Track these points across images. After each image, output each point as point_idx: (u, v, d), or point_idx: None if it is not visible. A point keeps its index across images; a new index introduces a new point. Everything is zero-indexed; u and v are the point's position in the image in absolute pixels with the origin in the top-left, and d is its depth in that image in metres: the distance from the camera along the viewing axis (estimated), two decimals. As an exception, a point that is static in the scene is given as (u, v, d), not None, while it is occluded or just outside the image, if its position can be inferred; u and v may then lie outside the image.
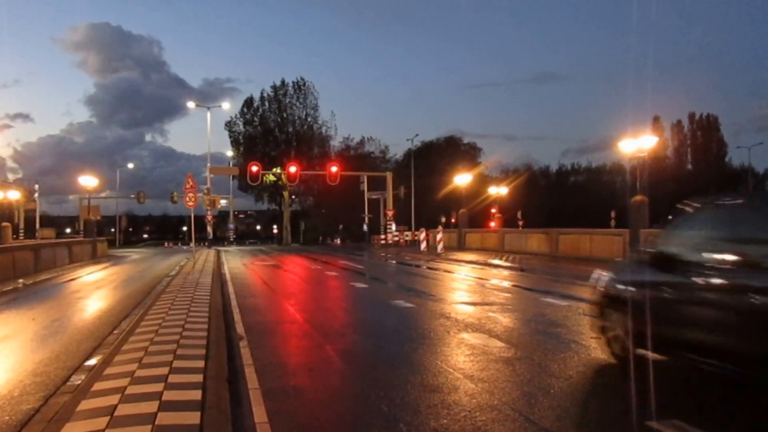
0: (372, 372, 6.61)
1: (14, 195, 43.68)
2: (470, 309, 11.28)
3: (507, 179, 57.93)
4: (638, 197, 21.85)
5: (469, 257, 25.30)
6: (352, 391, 5.93)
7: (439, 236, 32.94)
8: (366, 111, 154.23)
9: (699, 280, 5.41)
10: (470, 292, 14.50)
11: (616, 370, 6.19)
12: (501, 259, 23.84)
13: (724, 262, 5.29)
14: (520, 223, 45.11)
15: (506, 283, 16.12)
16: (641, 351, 6.11)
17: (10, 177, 59.25)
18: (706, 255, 5.57)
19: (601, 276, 7.24)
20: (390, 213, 44.18)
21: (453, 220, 45.34)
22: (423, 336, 8.65)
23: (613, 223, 40.54)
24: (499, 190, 47.93)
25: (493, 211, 45.82)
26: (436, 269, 21.01)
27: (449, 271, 19.68)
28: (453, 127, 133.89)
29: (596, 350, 7.44)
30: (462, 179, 40.14)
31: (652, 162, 21.97)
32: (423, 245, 35.15)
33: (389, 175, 44.88)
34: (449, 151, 64.95)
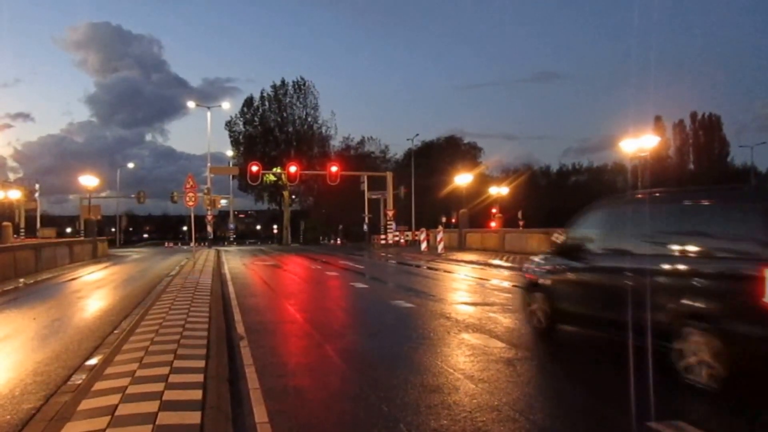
0: (372, 372, 6.62)
1: (15, 194, 43.74)
2: (471, 309, 11.28)
3: (507, 179, 57.87)
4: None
5: (470, 257, 25.31)
6: (352, 391, 5.93)
7: (439, 236, 32.89)
8: (366, 111, 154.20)
9: (592, 266, 7.26)
10: (471, 292, 14.50)
11: (616, 369, 6.19)
12: (501, 259, 23.84)
13: (608, 250, 7.14)
14: (521, 223, 45.09)
15: (507, 284, 16.12)
16: (561, 324, 8.14)
17: (11, 176, 59.33)
18: (597, 245, 7.36)
19: (530, 264, 9.15)
20: (390, 213, 44.16)
21: (453, 220, 45.32)
22: (423, 336, 8.65)
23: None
24: (499, 190, 47.92)
25: (494, 211, 45.77)
26: (436, 269, 21.01)
27: (449, 272, 19.68)
28: (453, 127, 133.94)
29: (599, 350, 7.45)
30: (462, 179, 40.14)
31: (654, 162, 21.89)
32: (423, 245, 35.15)
33: (389, 175, 44.85)
34: (449, 150, 64.92)
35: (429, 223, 44.10)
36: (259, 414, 4.99)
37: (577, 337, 8.23)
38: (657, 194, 7.24)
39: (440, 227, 36.96)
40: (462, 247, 32.93)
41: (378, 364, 7.05)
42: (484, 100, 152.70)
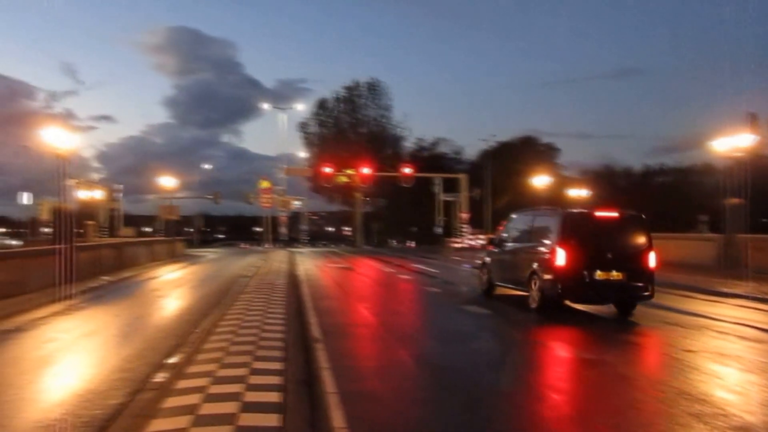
0: (449, 379, 6.46)
1: (99, 194, 45.84)
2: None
3: (585, 180, 55.89)
4: (735, 200, 20.42)
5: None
6: (429, 397, 5.80)
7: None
8: (439, 112, 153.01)
9: (505, 249, 13.20)
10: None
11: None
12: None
13: (509, 242, 13.17)
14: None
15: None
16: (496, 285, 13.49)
17: (95, 177, 62.53)
18: (506, 239, 13.38)
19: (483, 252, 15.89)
20: (464, 216, 43.59)
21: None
22: (502, 344, 8.41)
23: (704, 227, 38.22)
24: (579, 192, 46.34)
25: (572, 213, 44.33)
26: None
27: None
28: (527, 127, 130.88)
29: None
30: (540, 181, 39.07)
31: (749, 162, 20.38)
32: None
33: (463, 177, 44.26)
34: (526, 151, 63.20)
35: (504, 226, 43.26)
36: (337, 419, 4.94)
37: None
38: (525, 211, 13.96)
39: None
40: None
41: (456, 371, 6.87)
42: (558, 99, 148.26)
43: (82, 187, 44.14)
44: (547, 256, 10.97)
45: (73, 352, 8.28)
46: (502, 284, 13.16)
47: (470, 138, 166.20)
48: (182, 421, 4.54)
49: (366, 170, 40.90)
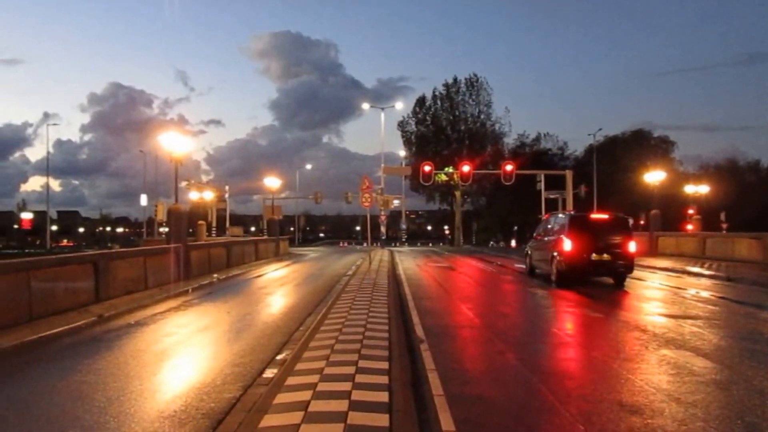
0: (561, 385, 6.14)
1: (209, 195, 48.37)
2: (669, 322, 10.16)
3: (706, 176, 51.85)
4: None
5: (663, 263, 23.03)
6: (540, 404, 5.53)
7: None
8: (542, 106, 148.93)
9: (538, 242, 18.78)
10: (667, 302, 13.10)
11: None
12: (701, 266, 21.35)
13: (541, 235, 18.63)
14: (724, 225, 40.24)
15: (708, 294, 14.38)
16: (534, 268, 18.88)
17: (204, 179, 66.01)
18: (540, 234, 18.86)
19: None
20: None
21: (642, 222, 41.85)
22: (616, 349, 7.93)
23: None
24: (697, 189, 43.18)
25: (691, 212, 41.24)
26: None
27: (640, 279, 18.08)
28: (640, 120, 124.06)
29: None
30: (652, 177, 36.72)
31: None
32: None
33: (568, 173, 42.41)
34: (636, 145, 59.83)
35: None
36: (445, 422, 4.83)
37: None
38: (551, 214, 19.77)
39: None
40: (653, 252, 30.10)
41: (567, 377, 6.55)
42: (675, 89, 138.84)
43: (194, 188, 46.84)
44: (560, 245, 16.01)
45: (189, 346, 8.71)
46: (537, 267, 18.50)
47: (575, 133, 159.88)
48: (294, 417, 4.59)
49: (466, 168, 40.23)
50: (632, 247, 16.08)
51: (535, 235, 19.50)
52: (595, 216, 17.13)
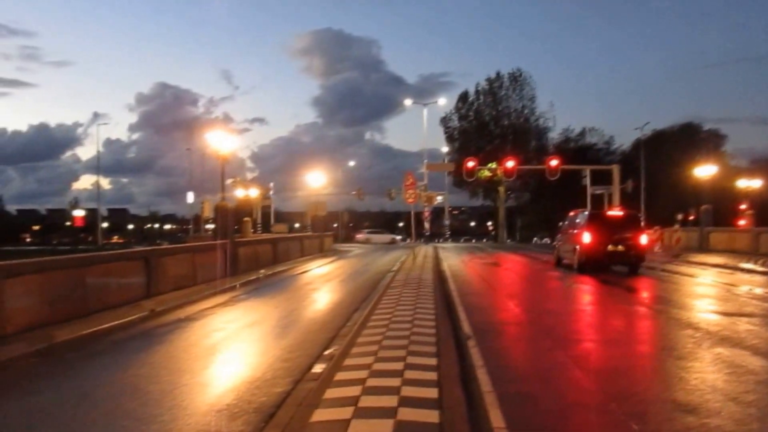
0: (612, 383, 6.03)
1: (254, 193, 49.08)
2: (723, 320, 9.83)
3: (759, 169, 49.85)
4: None
5: (714, 260, 22.29)
6: (591, 402, 5.44)
7: (676, 235, 29.74)
8: (588, 100, 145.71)
9: (565, 237, 20.97)
10: (720, 300, 12.68)
11: None
12: (756, 263, 20.54)
13: (566, 229, 21.19)
14: (779, 221, 38.69)
15: (762, 291, 13.85)
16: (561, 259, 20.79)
17: (248, 176, 66.98)
18: (564, 228, 21.44)
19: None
20: (616, 209, 40.80)
21: (691, 218, 40.54)
22: (668, 347, 7.72)
23: None
24: (750, 183, 41.53)
25: (743, 207, 39.73)
26: (673, 272, 18.88)
27: (690, 275, 17.55)
28: (689, 113, 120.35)
29: None
30: (703, 171, 35.54)
31: None
32: (657, 245, 31.98)
33: (615, 168, 41.34)
34: (685, 139, 57.94)
35: (660, 220, 39.99)
36: (496, 419, 4.78)
37: None
38: (575, 210, 21.61)
39: (677, 225, 33.32)
40: (703, 248, 29.12)
41: (618, 375, 6.41)
42: (726, 81, 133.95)
43: (239, 186, 47.67)
44: (580, 238, 18.25)
45: (238, 341, 8.87)
46: (564, 258, 20.37)
47: (621, 128, 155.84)
48: (344, 412, 4.62)
49: (509, 163, 39.67)
50: (643, 239, 18.49)
51: (561, 230, 21.94)
52: (610, 213, 21.20)
